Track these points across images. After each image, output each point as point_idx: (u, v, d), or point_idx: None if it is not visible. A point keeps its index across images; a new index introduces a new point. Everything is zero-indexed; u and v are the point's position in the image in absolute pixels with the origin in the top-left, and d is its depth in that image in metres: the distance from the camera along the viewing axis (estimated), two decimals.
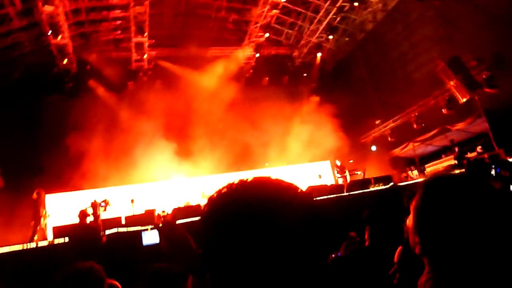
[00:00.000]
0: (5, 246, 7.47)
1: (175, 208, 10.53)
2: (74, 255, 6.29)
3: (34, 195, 9.81)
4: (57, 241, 7.66)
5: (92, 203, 9.01)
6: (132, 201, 11.51)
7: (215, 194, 0.77)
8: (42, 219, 9.73)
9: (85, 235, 7.12)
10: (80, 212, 8.07)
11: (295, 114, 16.23)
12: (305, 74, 18.68)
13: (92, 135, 14.01)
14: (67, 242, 7.33)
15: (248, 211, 0.69)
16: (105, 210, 9.54)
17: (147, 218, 9.23)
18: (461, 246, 0.98)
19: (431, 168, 14.28)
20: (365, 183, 12.03)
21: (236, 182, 0.77)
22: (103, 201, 9.59)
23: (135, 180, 13.55)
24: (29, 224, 9.65)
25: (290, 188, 0.74)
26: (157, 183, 13.44)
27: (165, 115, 14.68)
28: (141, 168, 13.71)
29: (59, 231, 8.76)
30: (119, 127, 14.11)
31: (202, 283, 1.55)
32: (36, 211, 9.65)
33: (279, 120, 15.66)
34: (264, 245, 0.66)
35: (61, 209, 12.97)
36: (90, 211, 8.81)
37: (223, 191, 0.77)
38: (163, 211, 10.55)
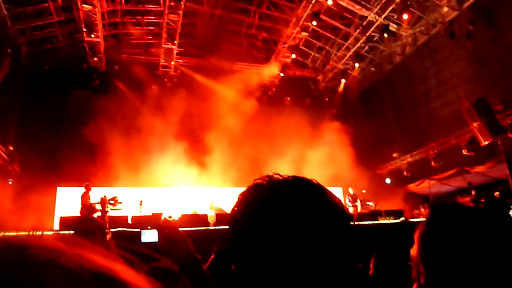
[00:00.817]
0: (12, 231, 7.57)
1: (182, 215, 10.53)
2: None
3: (84, 188, 10.54)
4: (62, 232, 7.73)
5: (101, 198, 9.10)
6: (141, 202, 11.59)
7: (257, 184, 0.73)
8: (89, 210, 10.13)
9: (90, 229, 7.14)
10: (88, 206, 8.15)
11: (313, 137, 16.17)
12: (327, 99, 18.69)
13: (111, 134, 14.25)
14: (72, 234, 7.36)
15: (291, 206, 0.67)
16: (114, 206, 9.59)
17: (153, 221, 9.24)
18: (468, 277, 0.94)
19: None
20: (375, 214, 11.89)
21: (279, 176, 0.73)
22: (112, 198, 9.67)
23: (147, 183, 13.64)
24: (44, 212, 10.50)
25: (331, 194, 0.72)
26: (167, 189, 13.49)
27: (184, 123, 14.86)
28: (154, 172, 13.83)
29: (65, 222, 8.86)
30: (138, 129, 14.34)
31: (195, 285, 1.53)
32: (83, 202, 10.22)
33: (296, 141, 15.64)
34: (302, 243, 0.64)
35: (71, 202, 13.14)
36: (98, 206, 8.88)
37: (270, 180, 0.73)
38: (170, 216, 10.53)
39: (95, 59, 14.62)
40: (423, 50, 15.30)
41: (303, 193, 0.69)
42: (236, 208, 0.73)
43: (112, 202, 9.55)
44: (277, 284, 0.63)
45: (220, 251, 2.16)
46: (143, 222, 8.59)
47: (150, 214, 10.25)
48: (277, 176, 0.73)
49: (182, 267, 1.63)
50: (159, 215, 9.99)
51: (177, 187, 13.95)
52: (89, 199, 10.47)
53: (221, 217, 10.63)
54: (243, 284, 0.68)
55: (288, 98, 17.85)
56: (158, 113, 14.63)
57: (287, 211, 0.65)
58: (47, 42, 14.39)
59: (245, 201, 0.72)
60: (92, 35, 13.39)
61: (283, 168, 14.88)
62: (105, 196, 9.39)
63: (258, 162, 14.42)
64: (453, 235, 0.99)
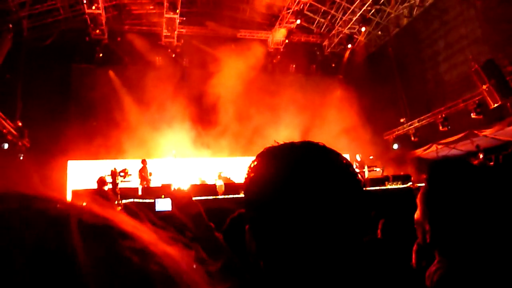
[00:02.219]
0: None
1: (192, 185, 10.69)
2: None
3: (141, 163, 11.69)
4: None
5: (111, 171, 9.24)
6: (150, 174, 11.75)
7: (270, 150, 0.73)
8: (145, 182, 11.32)
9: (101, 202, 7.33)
10: (98, 179, 8.30)
11: (319, 104, 16.08)
12: (333, 65, 18.43)
13: (117, 106, 14.33)
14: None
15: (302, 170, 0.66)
16: (124, 178, 9.75)
17: (163, 191, 9.39)
18: (471, 230, 0.95)
19: None
20: (383, 180, 11.95)
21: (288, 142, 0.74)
22: (122, 171, 9.80)
23: (154, 154, 13.78)
24: (56, 186, 11.50)
25: (343, 157, 0.72)
26: (175, 159, 13.59)
27: (189, 93, 14.82)
28: (161, 143, 13.92)
29: (77, 195, 9.06)
30: (143, 101, 14.35)
31: (209, 252, 1.58)
32: (141, 176, 11.39)
33: (303, 109, 15.59)
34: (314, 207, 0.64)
35: (82, 176, 13.39)
36: (108, 179, 9.03)
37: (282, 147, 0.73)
38: (179, 187, 10.71)
39: (97, 31, 14.44)
40: (431, 11, 14.87)
41: (315, 156, 0.69)
42: (249, 175, 0.73)
43: (122, 174, 9.70)
44: (294, 248, 0.64)
45: (234, 218, 2.22)
46: (153, 193, 8.77)
47: (159, 185, 10.42)
48: (287, 142, 0.74)
49: (196, 234, 1.69)
50: (169, 185, 10.15)
51: (184, 158, 14.07)
52: (146, 173, 11.50)
53: (229, 186, 10.77)
54: (260, 250, 0.69)
55: (294, 66, 17.63)
56: (162, 84, 14.57)
57: (301, 175, 0.65)
58: (48, 15, 14.19)
59: (258, 168, 0.72)
60: (93, 7, 13.17)
61: (290, 136, 14.90)
62: (115, 169, 9.54)
63: (264, 131, 14.44)
64: (454, 188, 1.00)
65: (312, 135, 14.52)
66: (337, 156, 0.71)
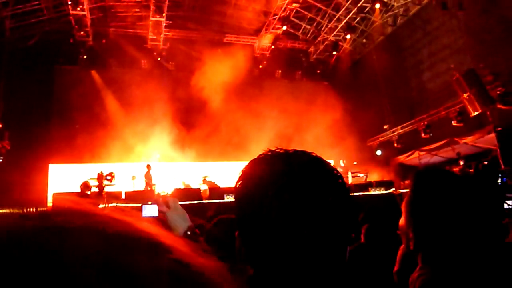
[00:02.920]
0: (5, 208, 7.60)
1: (176, 189, 10.61)
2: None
3: (146, 168, 11.85)
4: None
5: (98, 174, 9.10)
6: (133, 177, 11.63)
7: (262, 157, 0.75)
8: (149, 187, 11.32)
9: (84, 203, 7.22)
10: (82, 183, 8.17)
11: (305, 110, 16.19)
12: (318, 71, 18.60)
13: (101, 109, 14.16)
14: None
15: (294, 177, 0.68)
16: (110, 182, 9.62)
17: (146, 195, 9.33)
18: (453, 238, 0.98)
19: None
20: (366, 186, 12.09)
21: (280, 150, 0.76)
22: (108, 174, 9.66)
23: (138, 158, 13.65)
24: (36, 189, 11.38)
25: (332, 166, 0.76)
26: (158, 163, 13.46)
27: (174, 97, 14.74)
28: (145, 147, 13.79)
29: (58, 198, 8.91)
30: (128, 104, 14.23)
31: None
32: (147, 180, 11.53)
33: (288, 114, 15.68)
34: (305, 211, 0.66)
35: (64, 179, 13.15)
36: (92, 183, 8.90)
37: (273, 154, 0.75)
38: (163, 191, 10.67)
39: (82, 33, 14.26)
40: (415, 21, 15.17)
41: (307, 165, 0.71)
42: (242, 181, 0.74)
43: (109, 178, 9.56)
44: (283, 255, 0.65)
45: (217, 222, 2.21)
46: (137, 197, 8.68)
47: (143, 189, 10.32)
48: (279, 150, 0.75)
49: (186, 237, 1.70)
50: (152, 189, 10.05)
51: (168, 162, 13.96)
52: (151, 177, 11.63)
53: (214, 191, 10.74)
54: (249, 256, 0.70)
55: (279, 71, 17.72)
56: (148, 87, 14.47)
57: (292, 183, 0.67)
58: (31, 16, 13.96)
59: (251, 174, 0.73)
60: (78, 8, 13.01)
61: (275, 141, 14.95)
62: (101, 172, 9.41)
63: (250, 135, 14.44)
64: (437, 197, 1.02)
65: (297, 140, 14.59)
66: (328, 166, 0.74)
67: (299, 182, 0.67)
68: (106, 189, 9.47)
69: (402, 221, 1.16)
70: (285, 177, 0.68)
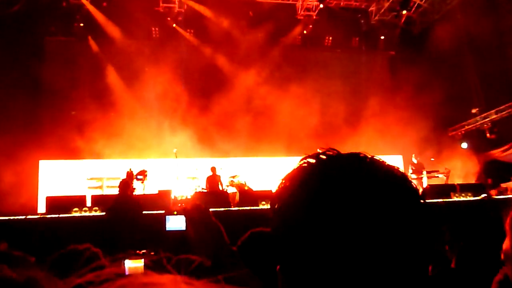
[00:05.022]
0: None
1: (196, 192, 10.77)
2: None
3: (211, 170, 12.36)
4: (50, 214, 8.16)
5: (127, 172, 9.21)
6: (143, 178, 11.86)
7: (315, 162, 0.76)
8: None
9: (126, 210, 7.42)
10: (121, 181, 8.27)
11: (362, 89, 15.96)
12: (382, 37, 18.24)
13: (102, 91, 14.45)
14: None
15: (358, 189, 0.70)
16: (143, 183, 9.74)
17: (161, 200, 9.51)
18: None
19: None
20: (447, 190, 11.82)
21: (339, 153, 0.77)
22: (140, 173, 9.71)
23: (147, 153, 13.99)
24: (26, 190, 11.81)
25: (403, 175, 0.75)
26: (175, 160, 13.60)
27: (193, 75, 14.89)
28: (157, 140, 14.02)
29: (52, 202, 9.30)
30: (136, 85, 14.46)
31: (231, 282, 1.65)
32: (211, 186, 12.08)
33: (340, 95, 15.55)
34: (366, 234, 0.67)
35: (57, 178, 13.63)
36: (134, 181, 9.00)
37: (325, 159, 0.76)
38: (182, 196, 10.84)
39: None
40: None
41: (371, 175, 0.72)
42: (286, 192, 0.75)
43: (140, 177, 9.64)
44: (338, 281, 0.66)
45: (254, 235, 2.26)
46: (148, 202, 8.84)
47: (156, 192, 10.50)
48: (331, 152, 0.76)
49: (215, 261, 1.73)
50: (167, 192, 10.21)
51: (187, 158, 14.10)
52: (219, 182, 12.22)
53: (245, 195, 10.80)
54: (291, 278, 0.72)
55: (330, 38, 17.51)
56: (160, 63, 14.67)
57: (350, 196, 0.68)
58: None
59: (297, 183, 0.74)
60: None
61: (326, 134, 14.86)
62: (131, 170, 9.49)
63: (290, 123, 14.39)
64: None
65: (353, 130, 14.44)
66: (397, 175, 0.74)
67: (362, 197, 0.68)
68: (138, 191, 9.52)
69: (506, 243, 1.14)
70: (342, 192, 0.69)
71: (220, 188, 12.05)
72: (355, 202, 0.68)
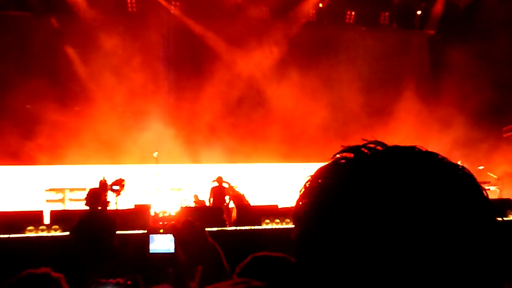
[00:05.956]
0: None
1: (183, 207, 10.75)
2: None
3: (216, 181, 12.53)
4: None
5: (100, 181, 9.22)
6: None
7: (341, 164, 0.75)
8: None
9: (96, 229, 7.47)
10: (89, 192, 8.30)
11: (393, 76, 16.03)
12: (419, 12, 18.32)
13: (64, 79, 14.47)
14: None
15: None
16: (118, 195, 9.78)
17: (138, 218, 9.48)
18: None
19: None
20: (501, 206, 11.88)
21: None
22: (116, 182, 9.74)
23: (122, 158, 14.09)
24: None
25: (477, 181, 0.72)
26: (154, 166, 13.63)
27: (180, 57, 14.95)
28: (132, 142, 14.01)
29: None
30: (107, 69, 14.42)
31: None
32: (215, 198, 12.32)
33: (366, 82, 15.67)
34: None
35: (4, 188, 13.59)
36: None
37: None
38: (164, 211, 10.81)
39: None
40: None
41: (427, 172, 0.70)
42: (307, 203, 0.75)
43: (116, 187, 9.66)
44: None
45: (255, 260, 2.26)
46: (122, 219, 8.80)
47: (131, 206, 10.50)
48: (368, 148, 0.75)
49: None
50: (146, 207, 10.19)
51: (170, 164, 14.15)
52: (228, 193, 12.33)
53: (245, 212, 10.75)
54: None
55: (353, 13, 17.58)
56: (137, 42, 14.71)
57: (403, 207, 0.67)
58: None
59: (322, 191, 0.73)
60: None
61: (345, 131, 14.88)
62: (104, 179, 9.51)
63: (300, 120, 14.40)
64: None
65: (379, 128, 14.43)
66: (457, 170, 0.73)
67: (415, 203, 0.67)
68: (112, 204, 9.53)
69: None
70: (390, 196, 0.67)
71: (231, 205, 12.02)
72: (420, 210, 0.66)
